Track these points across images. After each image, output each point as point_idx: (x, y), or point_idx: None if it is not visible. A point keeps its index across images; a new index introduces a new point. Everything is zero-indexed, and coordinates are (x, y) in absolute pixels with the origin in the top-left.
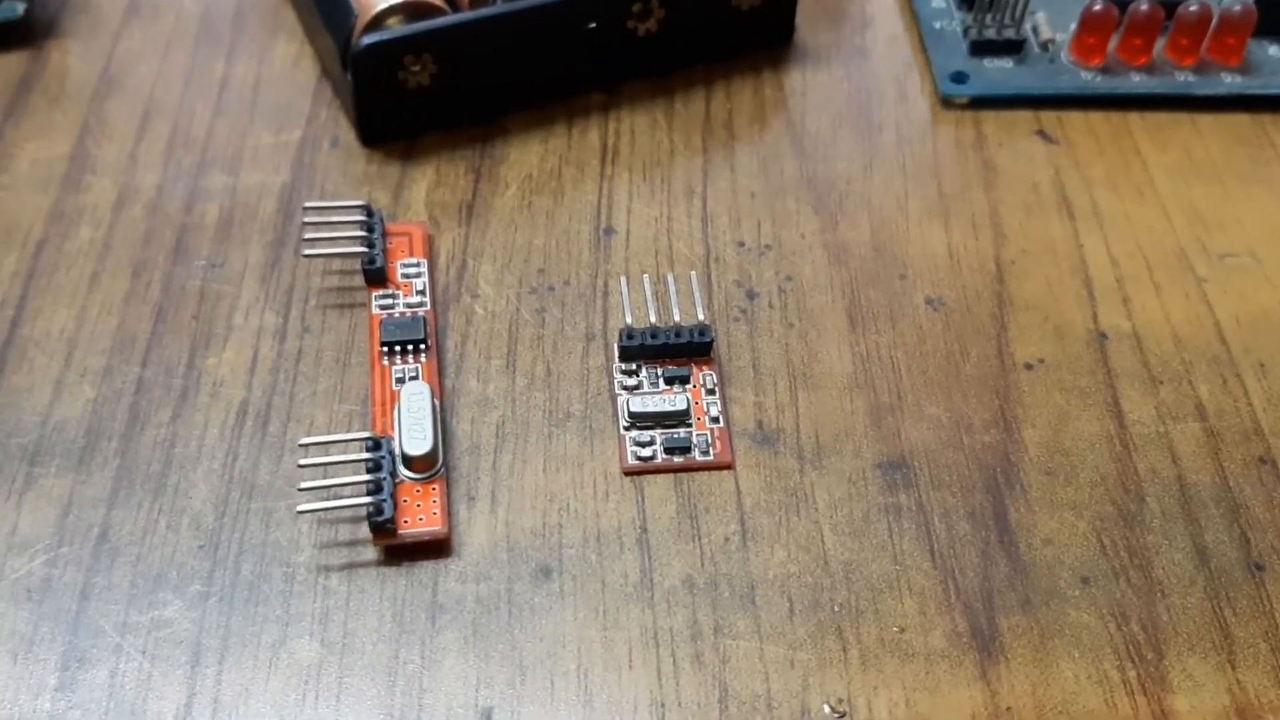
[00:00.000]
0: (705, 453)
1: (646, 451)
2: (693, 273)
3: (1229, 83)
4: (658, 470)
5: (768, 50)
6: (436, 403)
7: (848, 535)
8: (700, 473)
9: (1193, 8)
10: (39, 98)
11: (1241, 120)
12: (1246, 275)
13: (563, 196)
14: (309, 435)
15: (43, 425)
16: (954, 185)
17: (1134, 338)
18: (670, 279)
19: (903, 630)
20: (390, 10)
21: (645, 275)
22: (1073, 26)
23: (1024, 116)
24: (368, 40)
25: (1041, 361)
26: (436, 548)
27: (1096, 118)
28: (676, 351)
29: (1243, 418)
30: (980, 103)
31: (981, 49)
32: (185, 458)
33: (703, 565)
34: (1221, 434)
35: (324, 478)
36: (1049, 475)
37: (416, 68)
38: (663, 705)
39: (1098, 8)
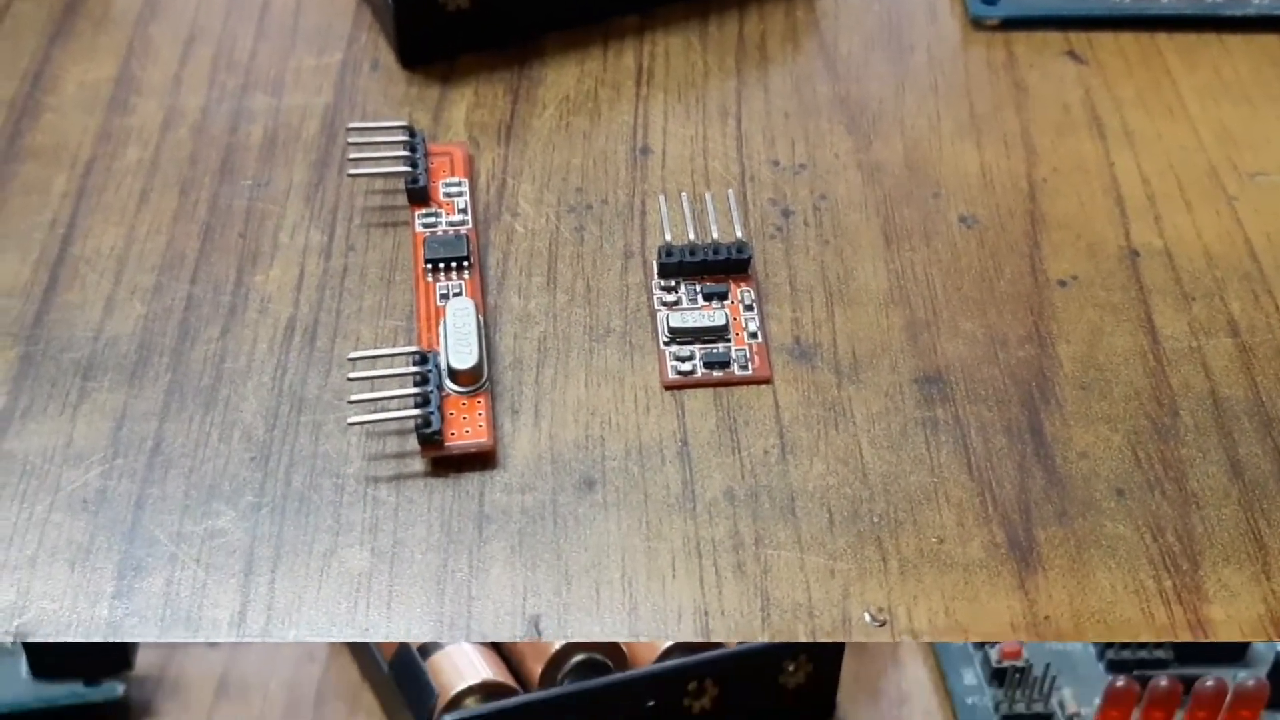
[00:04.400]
0: (744, 367)
1: (686, 366)
2: (729, 191)
3: (1258, 3)
4: (697, 385)
5: None
6: (481, 318)
7: (885, 448)
8: (739, 387)
9: (1209, 683)
10: (84, 21)
11: (1270, 40)
12: (1277, 194)
13: (599, 118)
14: (356, 350)
15: (95, 341)
16: (985, 106)
17: (1166, 255)
18: (708, 197)
19: (941, 541)
20: None
21: (683, 193)
22: (1096, 701)
23: (1054, 37)
24: None
25: (1075, 278)
26: (482, 460)
27: (1126, 38)
28: (714, 268)
29: (1275, 333)
30: (1011, 24)
31: None
32: (235, 372)
33: (743, 477)
34: (1254, 349)
35: (372, 391)
36: (1084, 390)
37: None
38: (706, 613)
39: (1120, 684)
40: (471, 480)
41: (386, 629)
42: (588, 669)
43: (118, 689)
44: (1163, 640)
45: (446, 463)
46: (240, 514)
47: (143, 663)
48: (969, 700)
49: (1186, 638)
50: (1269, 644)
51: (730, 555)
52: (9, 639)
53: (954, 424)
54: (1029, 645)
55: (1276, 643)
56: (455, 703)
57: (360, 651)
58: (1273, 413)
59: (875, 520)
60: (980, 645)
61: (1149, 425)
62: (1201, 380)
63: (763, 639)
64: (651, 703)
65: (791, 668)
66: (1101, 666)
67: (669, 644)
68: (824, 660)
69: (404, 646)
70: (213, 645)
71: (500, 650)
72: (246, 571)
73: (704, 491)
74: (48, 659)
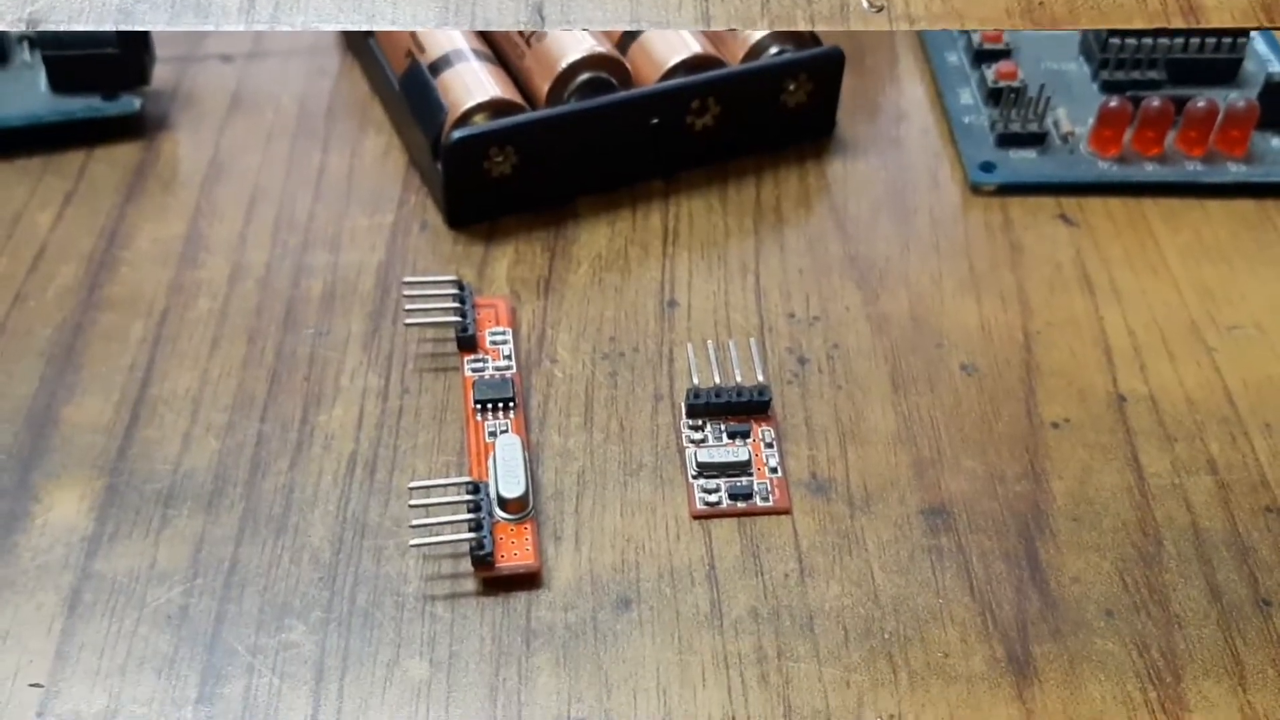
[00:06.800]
0: (765, 499)
1: (713, 498)
2: (751, 340)
3: (1234, 171)
4: (723, 515)
5: (812, 142)
6: (526, 453)
7: (895, 573)
8: (761, 517)
9: (1200, 103)
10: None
11: (1247, 205)
12: (1252, 345)
13: (629, 274)
14: (414, 480)
15: (174, 473)
16: (984, 263)
17: (1150, 400)
18: (731, 345)
19: (946, 656)
20: (477, 108)
21: (708, 342)
22: (1091, 121)
23: (1047, 202)
24: (458, 134)
25: (1067, 421)
26: (529, 580)
27: (1114, 203)
28: (738, 409)
29: (1250, 471)
30: (1007, 189)
31: (1008, 141)
32: (303, 501)
33: (766, 598)
34: (1231, 485)
35: (429, 517)
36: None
37: (500, 158)
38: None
39: (1114, 104)
40: (519, 599)
41: None
42: (594, 88)
43: (134, 103)
44: None
45: (496, 583)
46: (310, 628)
47: (158, 78)
48: (965, 119)
49: None
50: (1260, 65)
51: (755, 667)
52: (21, 26)
53: (956, 550)
54: (1024, 66)
55: (1268, 63)
56: (464, 119)
57: (370, 67)
58: (1249, 544)
59: (886, 637)
60: (977, 65)
61: (1135, 553)
62: (1183, 513)
63: (762, 27)
64: (655, 120)
65: (792, 86)
66: (1095, 87)
67: (673, 63)
68: (824, 79)
69: (414, 63)
70: (226, 59)
71: (509, 69)
72: (317, 679)
73: (730, 610)
74: (66, 72)
